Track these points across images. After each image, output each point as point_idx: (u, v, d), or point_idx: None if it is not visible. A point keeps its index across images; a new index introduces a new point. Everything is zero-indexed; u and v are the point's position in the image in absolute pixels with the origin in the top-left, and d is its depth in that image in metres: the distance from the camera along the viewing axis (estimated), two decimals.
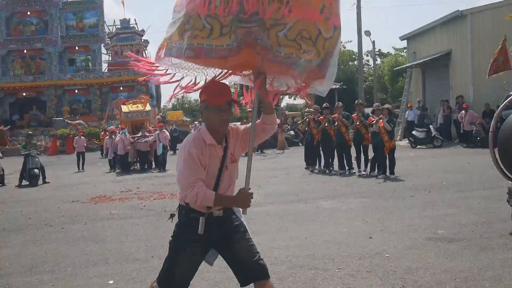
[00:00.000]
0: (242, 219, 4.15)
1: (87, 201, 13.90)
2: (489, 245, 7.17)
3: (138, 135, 23.61)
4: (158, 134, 22.44)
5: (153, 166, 23.47)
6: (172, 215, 4.20)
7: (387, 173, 15.33)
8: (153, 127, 24.95)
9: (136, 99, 27.99)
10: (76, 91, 52.09)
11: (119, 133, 23.63)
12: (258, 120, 4.15)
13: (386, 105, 16.82)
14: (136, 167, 23.46)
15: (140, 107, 25.85)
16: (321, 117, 17.89)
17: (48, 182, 19.22)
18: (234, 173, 4.14)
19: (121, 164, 23.11)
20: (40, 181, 19.15)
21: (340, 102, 18.44)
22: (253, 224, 9.56)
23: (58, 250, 8.49)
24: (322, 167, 18.18)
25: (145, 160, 23.36)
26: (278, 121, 4.29)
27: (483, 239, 7.48)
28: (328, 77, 3.93)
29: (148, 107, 26.22)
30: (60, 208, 12.92)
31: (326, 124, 17.49)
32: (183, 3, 3.71)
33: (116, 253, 8.05)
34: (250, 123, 4.12)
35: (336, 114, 17.29)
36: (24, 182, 19.02)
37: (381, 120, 15.21)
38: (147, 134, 23.40)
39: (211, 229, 3.97)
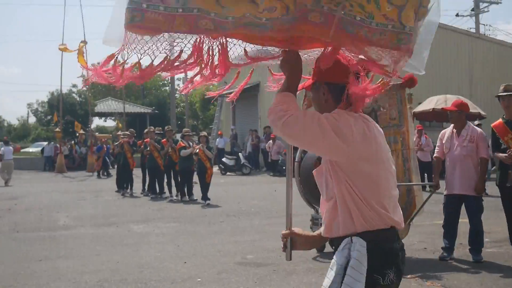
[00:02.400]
0: None
1: None
2: (295, 269, 7.58)
3: None
4: None
5: None
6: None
7: (200, 199, 15.54)
8: None
9: None
10: None
11: None
12: None
13: (203, 133, 17.13)
14: None
15: None
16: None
17: None
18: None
19: None
20: None
21: (152, 127, 18.47)
22: (63, 249, 9.25)
23: None
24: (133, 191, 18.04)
25: None
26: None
27: (289, 264, 7.86)
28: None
29: None
30: None
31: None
32: None
33: None
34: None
35: (148, 139, 17.27)
36: None
37: (200, 148, 15.32)
38: None
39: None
